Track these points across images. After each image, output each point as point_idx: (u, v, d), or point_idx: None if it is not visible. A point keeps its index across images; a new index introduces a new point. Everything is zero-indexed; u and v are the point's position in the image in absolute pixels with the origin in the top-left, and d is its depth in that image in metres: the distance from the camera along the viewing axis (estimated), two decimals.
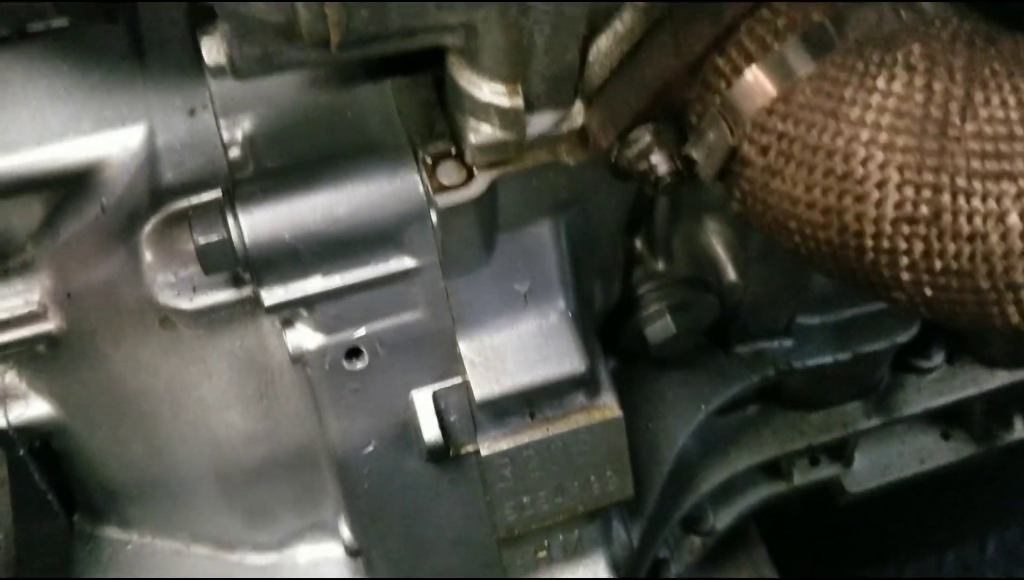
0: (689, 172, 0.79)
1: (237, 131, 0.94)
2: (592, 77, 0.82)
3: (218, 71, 0.76)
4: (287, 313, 0.94)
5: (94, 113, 0.98)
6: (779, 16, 0.71)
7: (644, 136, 0.79)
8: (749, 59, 0.72)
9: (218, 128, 0.95)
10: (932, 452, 1.73)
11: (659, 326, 1.19)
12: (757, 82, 0.71)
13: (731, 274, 1.23)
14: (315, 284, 0.91)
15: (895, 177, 0.65)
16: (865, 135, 0.66)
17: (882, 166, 0.65)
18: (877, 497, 1.68)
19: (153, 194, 0.95)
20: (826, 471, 1.65)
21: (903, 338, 1.44)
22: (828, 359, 1.38)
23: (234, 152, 0.94)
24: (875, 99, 0.66)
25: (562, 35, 0.77)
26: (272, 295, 0.91)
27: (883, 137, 0.65)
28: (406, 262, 0.92)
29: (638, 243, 1.20)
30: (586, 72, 0.83)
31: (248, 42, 0.74)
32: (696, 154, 0.75)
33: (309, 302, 0.92)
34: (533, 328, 0.98)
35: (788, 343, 1.37)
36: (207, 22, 0.76)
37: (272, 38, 0.74)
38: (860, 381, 1.51)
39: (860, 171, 0.66)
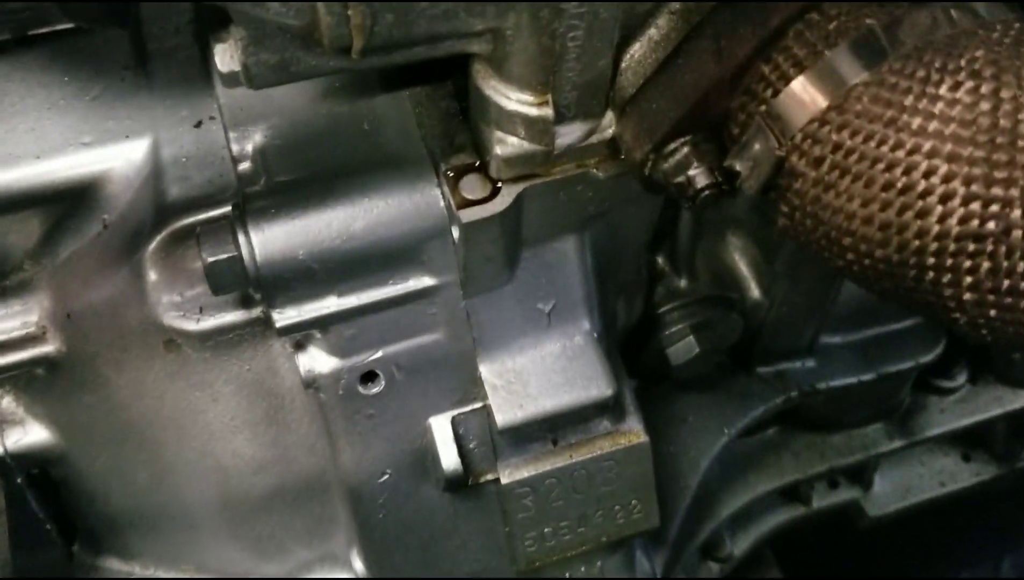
0: (730, 185, 0.74)
1: (247, 143, 0.90)
2: (625, 86, 0.78)
3: (231, 80, 0.71)
4: (299, 335, 0.89)
5: (96, 125, 0.94)
6: (829, 21, 0.67)
7: (682, 148, 0.75)
8: (798, 66, 0.67)
9: (227, 140, 0.91)
10: (953, 474, 1.69)
11: (682, 346, 1.15)
12: (807, 91, 0.67)
13: (755, 292, 1.19)
14: (330, 304, 0.87)
15: (961, 190, 0.61)
16: (928, 145, 0.62)
17: (946, 179, 0.61)
18: (896, 520, 1.63)
19: (158, 210, 0.91)
20: (846, 494, 1.61)
21: (928, 358, 1.41)
22: (852, 380, 1.34)
23: (244, 165, 0.90)
24: (939, 107, 0.62)
25: (596, 40, 0.72)
26: (284, 316, 0.86)
27: (948, 148, 0.61)
28: (425, 281, 0.88)
29: (660, 260, 1.16)
30: (618, 81, 0.78)
31: (264, 48, 0.69)
32: (740, 166, 0.71)
33: (323, 323, 0.87)
34: (557, 349, 0.94)
35: (811, 363, 1.33)
36: (220, 28, 0.71)
37: (290, 44, 0.70)
38: (883, 402, 1.47)
39: (923, 184, 0.62)
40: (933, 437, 1.54)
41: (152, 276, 0.91)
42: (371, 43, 0.68)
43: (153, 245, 0.91)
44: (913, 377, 1.44)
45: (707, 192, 0.74)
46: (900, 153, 0.62)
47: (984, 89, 0.61)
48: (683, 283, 1.17)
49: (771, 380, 1.32)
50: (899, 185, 0.62)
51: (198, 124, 0.95)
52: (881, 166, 0.63)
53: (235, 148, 0.90)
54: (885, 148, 0.63)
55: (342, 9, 0.65)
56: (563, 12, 0.69)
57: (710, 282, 1.18)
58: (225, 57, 0.70)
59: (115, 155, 0.95)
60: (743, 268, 1.19)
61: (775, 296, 1.18)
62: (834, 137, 0.65)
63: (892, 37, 0.66)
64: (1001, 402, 1.56)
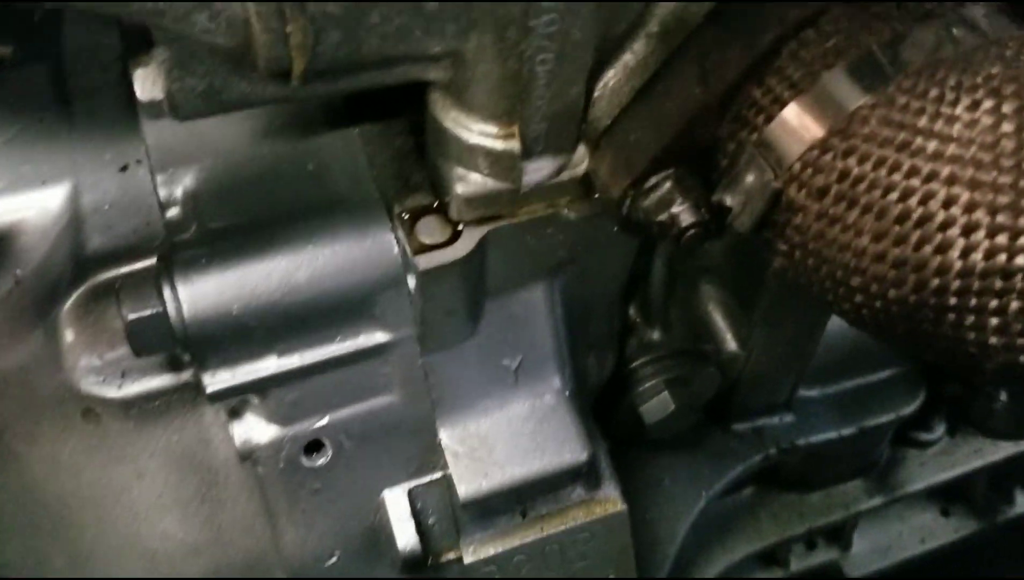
0: (718, 223, 0.67)
1: (177, 187, 0.81)
2: (598, 116, 0.71)
3: (154, 109, 0.62)
4: (234, 401, 0.79)
5: (9, 170, 0.86)
6: (826, 39, 0.61)
7: (664, 183, 0.68)
8: (794, 89, 0.61)
9: (154, 185, 0.82)
10: (933, 530, 1.63)
11: (656, 403, 1.07)
12: (805, 115, 0.60)
13: (732, 344, 1.12)
14: (268, 366, 0.77)
15: (985, 221, 0.54)
16: (947, 171, 0.55)
17: (969, 208, 0.54)
18: None
19: (77, 263, 0.82)
20: (824, 555, 1.54)
21: (909, 410, 1.34)
22: (832, 435, 1.27)
23: (173, 212, 0.81)
24: (957, 129, 0.55)
25: (568, 65, 0.65)
26: (216, 380, 0.76)
27: (969, 173, 0.54)
28: (378, 337, 0.79)
29: (632, 311, 1.08)
30: (591, 111, 0.71)
31: (191, 73, 0.61)
32: (730, 201, 0.64)
33: (261, 387, 0.78)
34: (525, 410, 0.85)
35: (789, 418, 1.26)
36: (140, 51, 0.63)
37: (220, 67, 0.61)
38: (862, 458, 1.40)
39: (942, 215, 0.55)
40: (914, 493, 1.48)
41: (69, 337, 0.81)
42: (314, 66, 0.60)
43: (70, 302, 0.82)
44: (892, 431, 1.38)
45: (693, 231, 0.67)
46: (915, 181, 0.55)
47: (1006, 108, 0.55)
48: (656, 335, 1.09)
49: (748, 437, 1.24)
50: (915, 216, 0.55)
51: (123, 168, 0.86)
52: (894, 196, 0.56)
53: (163, 192, 0.81)
54: (898, 175, 0.56)
55: (280, 25, 0.56)
56: (532, 32, 0.61)
57: (685, 334, 1.10)
58: (146, 83, 0.61)
59: (29, 203, 0.86)
60: (718, 319, 1.11)
61: (753, 348, 1.11)
62: (839, 165, 0.58)
63: (895, 56, 0.60)
64: (981, 454, 1.51)
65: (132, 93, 0.86)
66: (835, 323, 1.13)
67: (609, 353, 1.02)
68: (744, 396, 1.19)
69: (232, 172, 0.81)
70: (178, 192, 0.80)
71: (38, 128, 0.87)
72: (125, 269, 0.81)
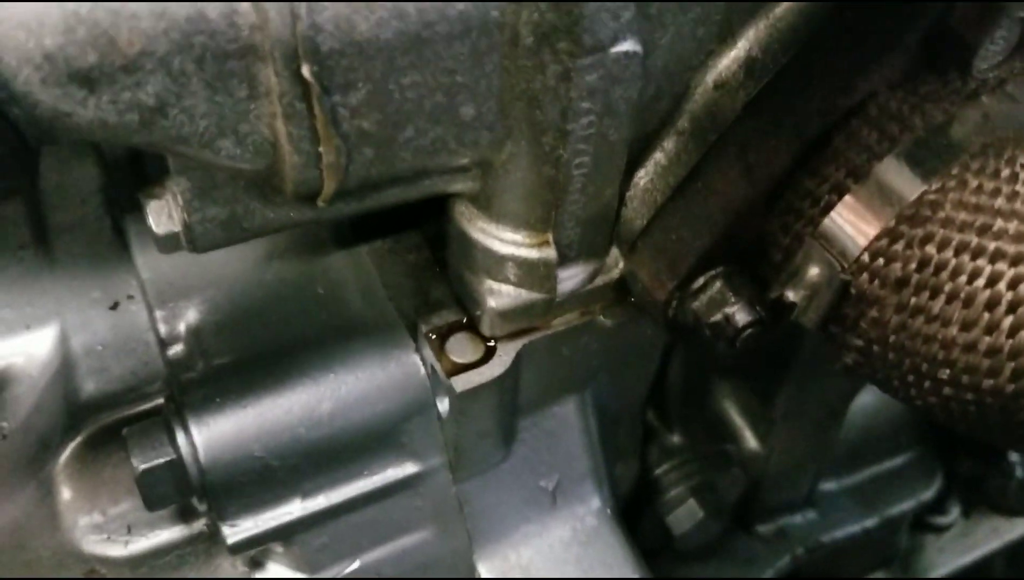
0: (776, 321, 0.63)
1: (178, 323, 0.76)
2: (632, 218, 0.68)
3: (169, 243, 0.58)
4: (256, 551, 0.72)
5: None
6: (876, 125, 0.58)
7: (713, 282, 0.64)
8: (851, 177, 0.58)
9: (152, 322, 0.76)
10: None
11: (683, 512, 1.02)
12: (866, 204, 0.57)
13: (752, 442, 1.08)
14: (293, 509, 0.71)
15: None
16: None
17: None
18: None
19: (71, 412, 0.76)
20: None
21: (928, 494, 1.31)
22: (856, 528, 1.23)
23: (175, 349, 0.75)
24: None
25: (604, 166, 0.62)
26: (237, 530, 0.70)
27: None
28: (408, 468, 0.73)
29: (650, 415, 1.03)
30: (623, 213, 0.68)
31: (212, 202, 0.56)
32: (794, 296, 0.60)
33: (286, 534, 0.72)
34: (567, 535, 0.79)
35: (812, 515, 1.22)
36: (150, 184, 0.58)
37: (243, 194, 0.57)
38: (884, 548, 1.35)
39: None
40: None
41: (66, 493, 0.75)
42: (346, 185, 0.56)
43: (66, 455, 0.76)
44: (911, 518, 1.34)
45: (750, 330, 0.63)
46: (1002, 264, 0.52)
47: None
48: (677, 439, 1.04)
49: (772, 539, 1.19)
50: (1006, 301, 0.52)
51: (114, 306, 0.81)
52: (981, 281, 0.53)
53: (163, 329, 0.76)
54: (983, 260, 0.53)
55: (312, 146, 0.53)
56: (569, 136, 0.58)
57: (705, 436, 1.06)
58: (161, 217, 0.57)
59: (14, 350, 0.80)
60: (736, 417, 1.07)
61: (774, 445, 1.07)
62: (917, 252, 0.55)
63: (947, 138, 0.58)
64: (998, 533, 1.47)
65: (117, 224, 0.83)
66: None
67: (632, 462, 0.97)
68: (767, 495, 1.14)
69: (237, 302, 0.76)
70: (180, 328, 0.75)
71: (18, 269, 0.82)
72: (125, 414, 0.75)
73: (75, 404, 0.76)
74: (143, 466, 0.67)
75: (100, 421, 0.76)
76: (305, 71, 0.49)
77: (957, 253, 0.53)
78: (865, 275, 0.57)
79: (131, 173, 0.85)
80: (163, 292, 0.77)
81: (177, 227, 0.57)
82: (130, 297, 0.81)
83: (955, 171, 0.55)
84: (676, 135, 0.66)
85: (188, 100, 0.49)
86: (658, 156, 0.67)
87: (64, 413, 0.76)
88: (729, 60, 0.63)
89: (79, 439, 0.75)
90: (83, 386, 0.76)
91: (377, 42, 0.50)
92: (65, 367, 0.77)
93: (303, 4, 0.47)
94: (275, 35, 0.47)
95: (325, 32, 0.48)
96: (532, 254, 0.65)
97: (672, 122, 0.66)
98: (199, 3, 0.46)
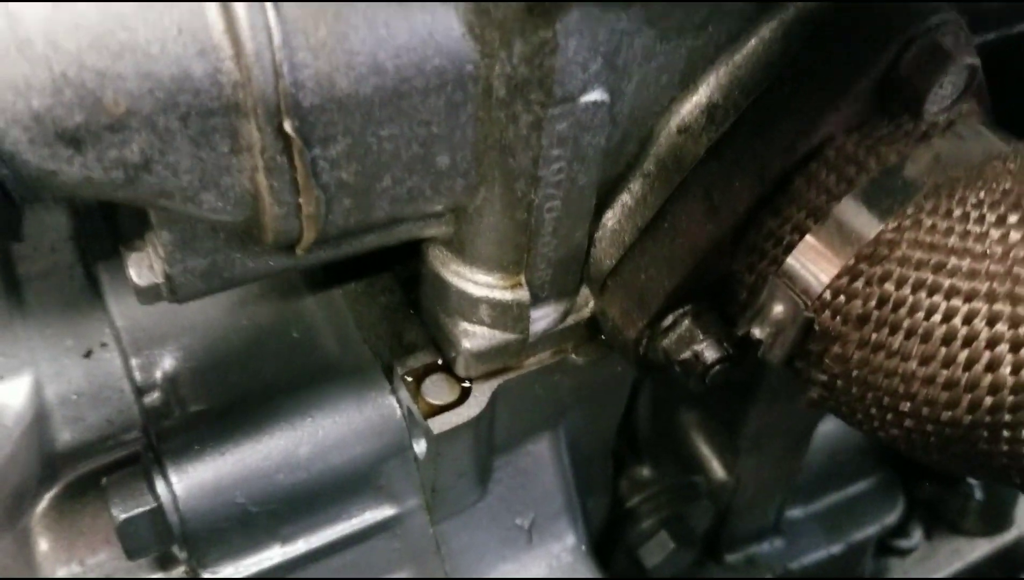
0: (743, 357, 0.65)
1: (155, 371, 0.77)
2: (601, 258, 0.70)
3: (150, 294, 0.59)
4: None
5: None
6: (834, 167, 0.61)
7: (682, 320, 0.66)
8: (811, 217, 0.60)
9: (128, 370, 0.77)
10: None
11: (655, 544, 1.03)
12: (826, 244, 0.60)
13: (719, 473, 1.10)
14: (273, 555, 0.71)
15: None
16: (985, 288, 0.54)
17: (1014, 323, 0.54)
18: None
19: (46, 462, 0.76)
20: None
21: (891, 519, 1.34)
22: (823, 553, 1.25)
23: (152, 397, 0.76)
24: (988, 246, 0.55)
25: (574, 209, 0.64)
26: (218, 577, 0.70)
27: (1007, 288, 0.54)
28: (385, 510, 0.74)
29: (620, 449, 1.05)
30: (592, 253, 0.70)
31: (193, 253, 0.57)
32: (760, 333, 0.62)
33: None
34: (543, 572, 0.80)
35: (779, 543, 1.23)
36: (131, 237, 0.59)
37: (223, 245, 0.58)
38: (850, 572, 1.37)
39: (987, 332, 0.54)
40: None
41: (43, 544, 0.75)
42: (324, 234, 0.57)
43: (42, 505, 0.76)
44: (875, 542, 1.36)
45: (719, 367, 0.65)
46: (956, 300, 0.55)
47: None
48: (646, 472, 1.06)
49: (742, 568, 1.21)
50: (961, 336, 0.55)
51: (87, 354, 0.81)
52: (937, 317, 0.55)
53: (139, 377, 0.77)
54: (939, 296, 0.55)
55: (292, 197, 0.54)
56: (540, 181, 0.60)
57: (674, 468, 1.07)
58: (142, 269, 0.58)
59: None
60: (703, 449, 1.09)
61: (740, 475, 1.09)
62: (876, 290, 0.57)
63: (901, 179, 0.60)
64: (960, 554, 1.50)
65: (89, 271, 0.83)
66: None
67: (605, 496, 0.99)
68: (735, 525, 1.16)
69: (212, 348, 0.77)
70: (156, 375, 0.75)
71: None
72: (101, 462, 0.75)
73: (51, 454, 0.75)
74: (123, 515, 0.67)
75: (77, 470, 0.75)
76: (287, 126, 0.50)
77: (914, 290, 0.56)
78: (828, 312, 0.59)
79: (102, 221, 0.86)
80: (138, 339, 0.77)
81: (159, 278, 0.58)
82: (103, 345, 0.81)
83: (910, 210, 0.58)
84: (642, 177, 0.68)
85: (172, 156, 0.50)
86: (625, 198, 0.69)
87: (40, 463, 0.75)
88: (691, 105, 0.65)
89: (56, 489, 0.75)
90: (58, 436, 0.76)
91: (356, 97, 0.52)
92: (40, 417, 0.77)
93: (285, 62, 0.49)
94: (258, 92, 0.49)
95: (306, 88, 0.50)
96: (505, 296, 0.67)
97: (638, 165, 0.68)
98: (184, 62, 0.47)
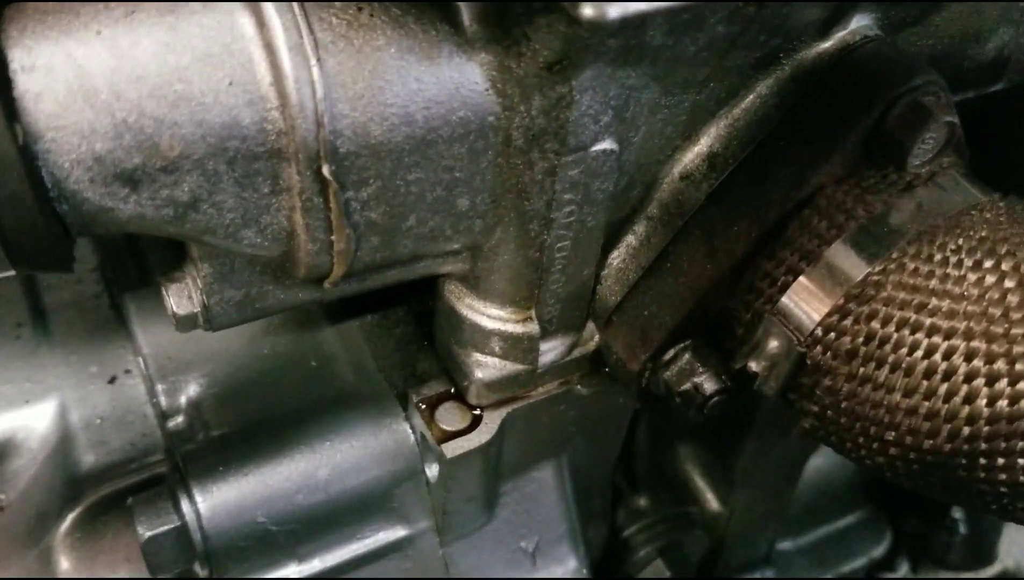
0: (740, 388, 0.70)
1: (179, 396, 0.80)
2: (606, 295, 0.74)
3: (187, 323, 0.63)
4: None
5: None
6: (825, 214, 0.66)
7: (683, 354, 0.70)
8: (804, 260, 0.65)
9: (153, 395, 0.81)
10: None
11: (651, 572, 1.07)
12: (819, 283, 0.64)
13: (713, 504, 1.13)
14: (290, 573, 0.75)
15: (1005, 369, 0.58)
16: (963, 327, 0.59)
17: (989, 359, 0.58)
18: None
19: (70, 483, 0.79)
20: None
21: (878, 552, 1.37)
22: None
23: (176, 421, 0.79)
24: (966, 288, 0.60)
25: (582, 249, 0.68)
26: None
27: (983, 327, 0.59)
28: (398, 531, 0.78)
29: (617, 479, 1.09)
30: (598, 290, 0.74)
31: (230, 284, 0.61)
32: (756, 366, 0.67)
33: None
34: None
35: (770, 574, 1.27)
36: (170, 268, 0.63)
37: (258, 278, 0.62)
38: None
39: (965, 367, 0.59)
40: None
41: (65, 563, 0.78)
42: (353, 269, 0.61)
43: (65, 525, 0.78)
44: (862, 575, 1.40)
45: (717, 398, 0.69)
46: (937, 338, 0.59)
47: (1005, 266, 0.60)
48: (643, 502, 1.10)
49: None
50: (941, 370, 0.59)
51: (112, 380, 0.85)
52: (919, 353, 0.60)
53: (164, 402, 0.80)
54: (920, 334, 0.60)
55: (325, 235, 0.58)
56: (552, 223, 0.65)
57: (670, 498, 1.11)
58: (181, 299, 0.62)
59: (13, 424, 0.83)
60: (698, 480, 1.13)
61: (734, 506, 1.13)
62: (864, 327, 0.62)
63: (887, 226, 0.65)
64: None
65: (115, 301, 0.87)
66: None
67: (604, 524, 1.02)
68: (728, 555, 1.19)
69: (235, 376, 0.80)
70: (181, 401, 0.79)
71: (15, 346, 0.85)
72: (123, 484, 0.78)
73: (74, 476, 0.79)
74: (149, 533, 0.70)
75: (99, 492, 0.78)
76: (325, 171, 0.55)
77: (898, 328, 0.60)
78: (819, 348, 0.64)
79: (128, 253, 0.90)
80: (163, 367, 0.81)
81: (196, 308, 0.62)
82: (127, 371, 0.85)
83: (895, 255, 0.63)
84: (647, 220, 0.73)
85: (219, 196, 0.54)
86: (630, 239, 0.73)
87: (63, 485, 0.79)
88: (693, 155, 0.70)
89: (79, 510, 0.78)
90: (82, 458, 0.79)
91: (388, 145, 0.56)
92: (64, 440, 0.80)
93: (326, 113, 0.53)
94: (300, 140, 0.53)
95: (344, 137, 0.54)
96: (516, 329, 0.71)
97: (643, 209, 0.72)
98: (234, 112, 0.52)
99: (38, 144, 0.49)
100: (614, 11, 0.49)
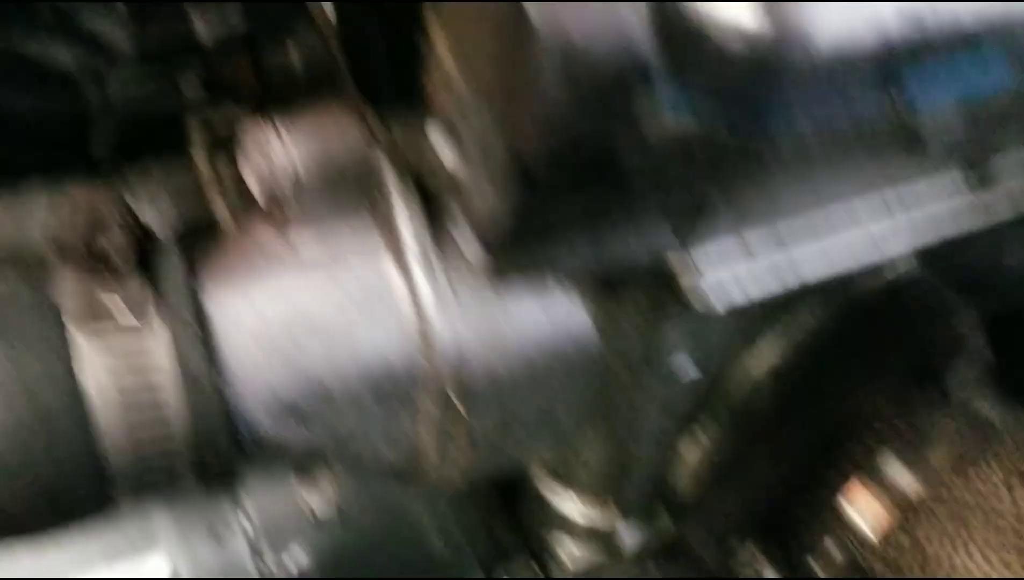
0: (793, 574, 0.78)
1: (282, 556, 0.88)
2: (678, 486, 0.82)
3: (326, 515, 0.72)
4: None
5: (100, 539, 0.90)
6: (885, 427, 0.75)
7: (750, 548, 0.79)
8: (863, 469, 0.74)
9: (256, 555, 0.89)
10: None
11: None
12: (874, 499, 0.73)
13: None
14: None
15: None
16: (996, 558, 0.68)
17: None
18: None
19: None
20: None
21: None
22: None
23: None
24: (995, 520, 0.68)
25: (659, 448, 0.77)
26: None
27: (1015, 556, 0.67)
28: None
29: None
30: (670, 481, 0.83)
31: (362, 483, 0.71)
32: (816, 565, 0.75)
33: None
34: None
35: None
36: (306, 468, 0.72)
37: (383, 478, 0.71)
38: None
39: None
40: None
41: None
42: (467, 478, 0.71)
43: None
44: None
45: None
46: (974, 553, 0.68)
47: None
48: None
49: None
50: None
51: (217, 539, 0.93)
52: (959, 564, 0.68)
53: (267, 562, 0.88)
54: (960, 548, 0.68)
55: (452, 454, 0.67)
56: (638, 433, 0.74)
57: None
58: (323, 499, 0.71)
59: (124, 574, 0.90)
60: None
61: None
62: (907, 542, 0.70)
63: (924, 454, 0.74)
64: None
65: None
66: None
67: None
68: None
69: (335, 543, 0.88)
70: (291, 566, 0.87)
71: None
72: None
73: None
74: None
75: None
76: (456, 403, 0.64)
77: (940, 543, 0.69)
78: (875, 558, 0.72)
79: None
80: (269, 531, 0.89)
81: (332, 505, 0.71)
82: (232, 532, 0.93)
83: (946, 477, 0.72)
84: (715, 424, 0.82)
85: (368, 427, 0.64)
86: (701, 437, 0.82)
87: None
88: (758, 368, 0.79)
89: None
90: None
91: (509, 380, 0.66)
92: None
93: (462, 357, 0.63)
94: (440, 380, 0.63)
95: (475, 377, 0.64)
96: (597, 518, 0.80)
97: (717, 415, 0.82)
98: (390, 359, 0.62)
99: (229, 387, 0.59)
100: (721, 304, 0.59)
